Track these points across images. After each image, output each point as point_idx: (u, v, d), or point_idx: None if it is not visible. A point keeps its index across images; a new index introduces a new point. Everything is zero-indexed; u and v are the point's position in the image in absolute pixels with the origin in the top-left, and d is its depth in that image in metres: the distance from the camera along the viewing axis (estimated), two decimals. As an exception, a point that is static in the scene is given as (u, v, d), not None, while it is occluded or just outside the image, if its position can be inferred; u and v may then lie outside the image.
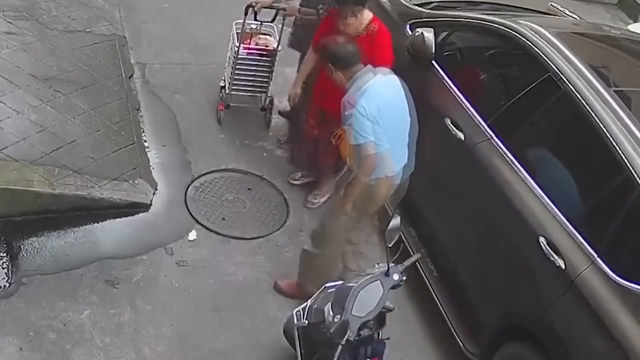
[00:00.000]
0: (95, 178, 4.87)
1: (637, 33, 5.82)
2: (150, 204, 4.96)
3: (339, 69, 4.13)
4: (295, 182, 5.48)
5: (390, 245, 3.58)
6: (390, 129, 4.01)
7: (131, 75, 6.00)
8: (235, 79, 5.71)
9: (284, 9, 5.51)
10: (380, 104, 3.96)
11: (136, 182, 5.01)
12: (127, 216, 4.87)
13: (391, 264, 3.55)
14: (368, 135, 3.92)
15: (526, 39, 4.55)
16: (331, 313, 3.49)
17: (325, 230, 4.35)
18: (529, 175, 4.20)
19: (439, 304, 4.63)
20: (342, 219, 4.23)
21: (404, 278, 3.59)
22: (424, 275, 4.77)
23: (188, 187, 5.25)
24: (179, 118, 5.80)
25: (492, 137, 4.48)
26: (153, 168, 5.26)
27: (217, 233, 4.96)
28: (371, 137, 3.92)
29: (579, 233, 3.85)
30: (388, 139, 3.99)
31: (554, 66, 4.31)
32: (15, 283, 4.23)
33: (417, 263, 4.35)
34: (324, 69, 4.33)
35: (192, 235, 4.89)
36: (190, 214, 5.05)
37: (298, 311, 3.92)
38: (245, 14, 5.61)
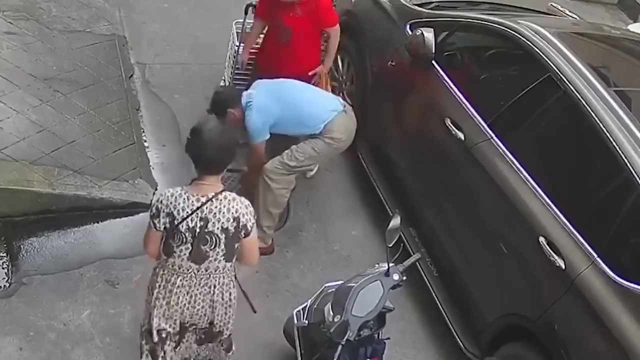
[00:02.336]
0: (95, 178, 4.87)
1: (637, 33, 5.82)
2: (150, 204, 4.95)
3: (235, 109, 4.64)
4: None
5: (390, 245, 3.58)
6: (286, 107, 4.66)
7: (131, 75, 6.00)
8: (236, 78, 5.70)
9: None
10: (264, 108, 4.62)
11: (136, 182, 5.01)
12: (127, 216, 4.87)
13: (391, 264, 3.55)
14: (256, 137, 4.67)
15: (526, 39, 4.55)
16: (331, 313, 3.49)
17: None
18: (529, 175, 4.20)
19: (439, 304, 4.64)
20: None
21: (404, 278, 3.59)
22: (424, 275, 4.77)
23: (188, 187, 5.25)
24: (179, 118, 5.80)
25: (492, 137, 4.48)
26: (153, 168, 5.26)
27: (217, 233, 4.96)
28: (260, 138, 4.68)
29: (579, 233, 3.85)
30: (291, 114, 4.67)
31: (554, 66, 4.31)
32: (15, 283, 4.23)
33: (417, 263, 4.35)
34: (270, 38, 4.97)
35: (192, 235, 4.88)
36: (190, 214, 5.04)
37: (298, 311, 3.92)
38: (246, 13, 5.61)
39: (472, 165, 4.53)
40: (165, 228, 3.38)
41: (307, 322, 3.79)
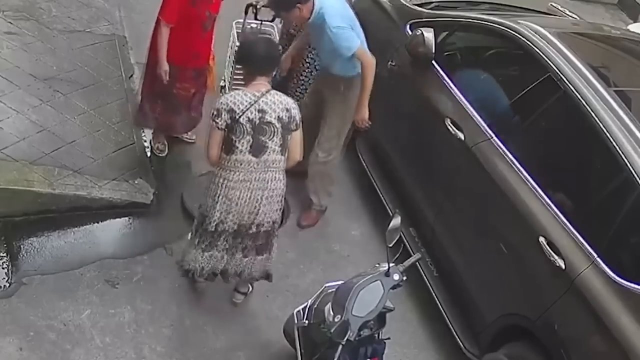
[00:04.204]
0: (95, 178, 4.87)
1: (637, 33, 5.82)
2: (150, 204, 4.96)
3: (304, 4, 4.52)
4: (162, 154, 5.39)
5: (390, 245, 3.58)
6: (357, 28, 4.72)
7: (131, 75, 5.99)
8: (236, 79, 5.70)
9: None
10: (342, 13, 4.64)
11: (136, 182, 5.01)
12: (127, 216, 4.88)
13: (391, 264, 3.55)
14: (356, 40, 4.62)
15: (526, 39, 4.55)
16: (331, 313, 3.49)
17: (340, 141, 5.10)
18: (529, 175, 4.20)
19: (439, 304, 4.64)
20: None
21: (405, 278, 3.59)
22: (424, 275, 4.77)
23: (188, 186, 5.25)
24: (179, 118, 5.79)
25: (492, 137, 4.48)
26: (153, 168, 5.26)
27: (217, 233, 4.96)
28: (358, 39, 4.64)
29: (579, 233, 3.85)
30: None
31: (554, 66, 4.31)
32: (15, 283, 4.23)
33: (417, 263, 4.36)
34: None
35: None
36: (191, 214, 5.04)
37: (298, 311, 3.92)
38: (246, 13, 5.62)
39: (472, 165, 4.54)
40: (226, 125, 3.89)
41: (307, 322, 3.78)
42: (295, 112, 4.00)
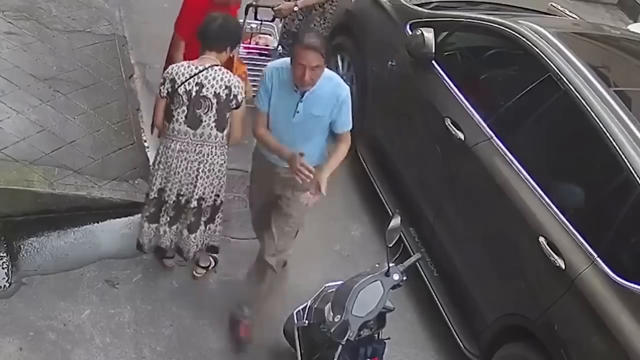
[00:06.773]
0: (95, 178, 4.87)
1: (637, 33, 5.82)
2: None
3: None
4: None
5: (390, 245, 3.58)
6: None
7: (131, 75, 6.00)
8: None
9: (279, 10, 5.51)
10: None
11: (136, 182, 5.01)
12: (127, 216, 4.87)
13: (391, 264, 3.55)
14: None
15: (526, 39, 4.55)
16: (331, 313, 3.49)
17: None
18: (529, 175, 4.20)
19: (439, 304, 4.64)
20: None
21: (404, 278, 3.59)
22: (424, 275, 4.77)
23: (188, 187, 5.25)
24: (179, 118, 5.79)
25: (492, 137, 4.48)
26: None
27: (217, 233, 4.96)
28: None
29: (579, 233, 3.85)
30: None
31: (554, 66, 4.31)
32: (15, 283, 4.23)
33: (417, 263, 4.36)
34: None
35: (192, 235, 4.89)
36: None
37: (298, 311, 3.92)
38: (246, 13, 5.62)
39: (472, 165, 4.54)
40: (167, 93, 4.04)
41: (307, 322, 3.79)
42: (237, 91, 4.04)
